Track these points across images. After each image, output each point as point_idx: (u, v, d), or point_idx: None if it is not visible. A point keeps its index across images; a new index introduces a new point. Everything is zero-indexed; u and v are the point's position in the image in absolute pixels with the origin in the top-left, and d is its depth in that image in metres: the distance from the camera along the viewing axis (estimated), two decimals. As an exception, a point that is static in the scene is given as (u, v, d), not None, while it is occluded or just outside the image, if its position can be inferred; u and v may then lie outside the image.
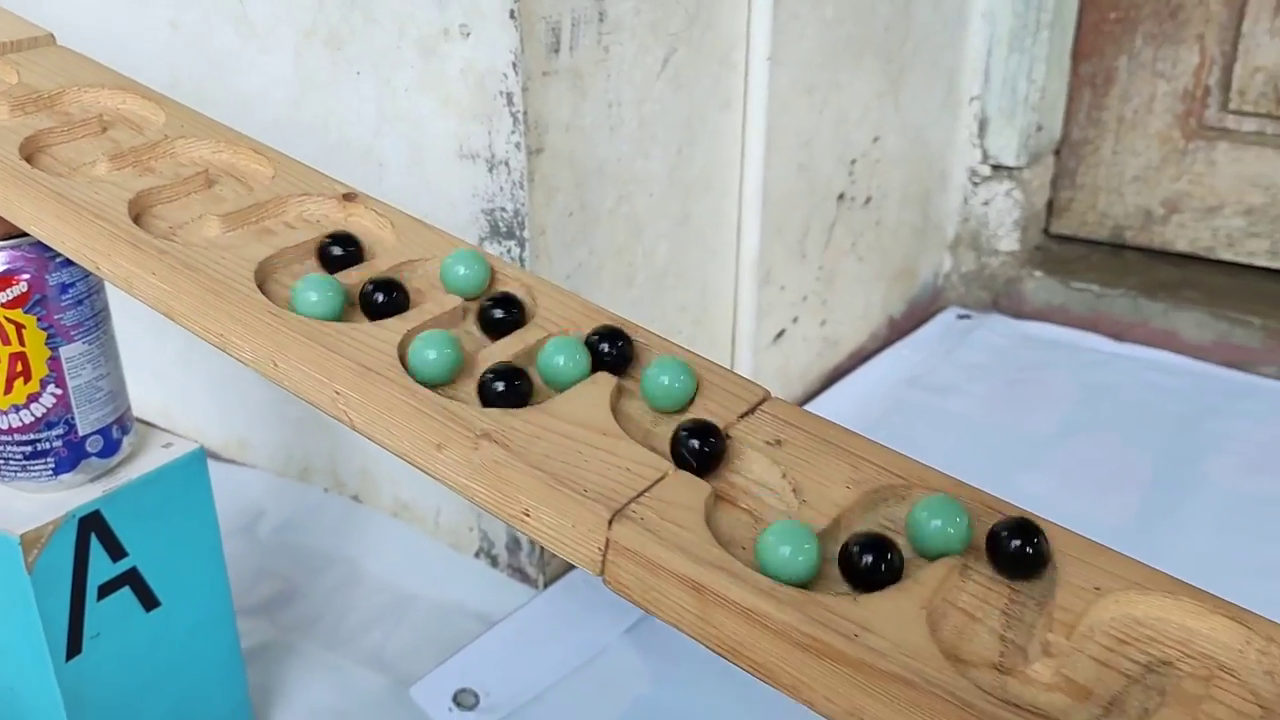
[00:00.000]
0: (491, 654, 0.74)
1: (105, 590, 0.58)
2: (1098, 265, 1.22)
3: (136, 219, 0.43)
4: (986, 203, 1.22)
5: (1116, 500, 0.92)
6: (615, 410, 0.36)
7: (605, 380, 0.37)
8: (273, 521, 0.89)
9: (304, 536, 0.87)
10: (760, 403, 0.37)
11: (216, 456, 0.96)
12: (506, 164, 0.67)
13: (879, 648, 0.28)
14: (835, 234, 1.02)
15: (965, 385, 1.10)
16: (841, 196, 1.01)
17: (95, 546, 0.57)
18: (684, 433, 0.35)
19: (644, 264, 0.79)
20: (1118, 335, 1.17)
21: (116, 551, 0.58)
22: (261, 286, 0.40)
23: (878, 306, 1.14)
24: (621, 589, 0.32)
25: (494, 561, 0.80)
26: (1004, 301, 1.24)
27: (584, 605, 0.79)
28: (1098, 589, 0.31)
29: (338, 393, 0.36)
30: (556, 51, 0.66)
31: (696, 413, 0.37)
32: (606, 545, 0.32)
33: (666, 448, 0.35)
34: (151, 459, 0.59)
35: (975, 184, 1.22)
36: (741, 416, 0.37)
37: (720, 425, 0.36)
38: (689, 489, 0.33)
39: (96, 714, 0.58)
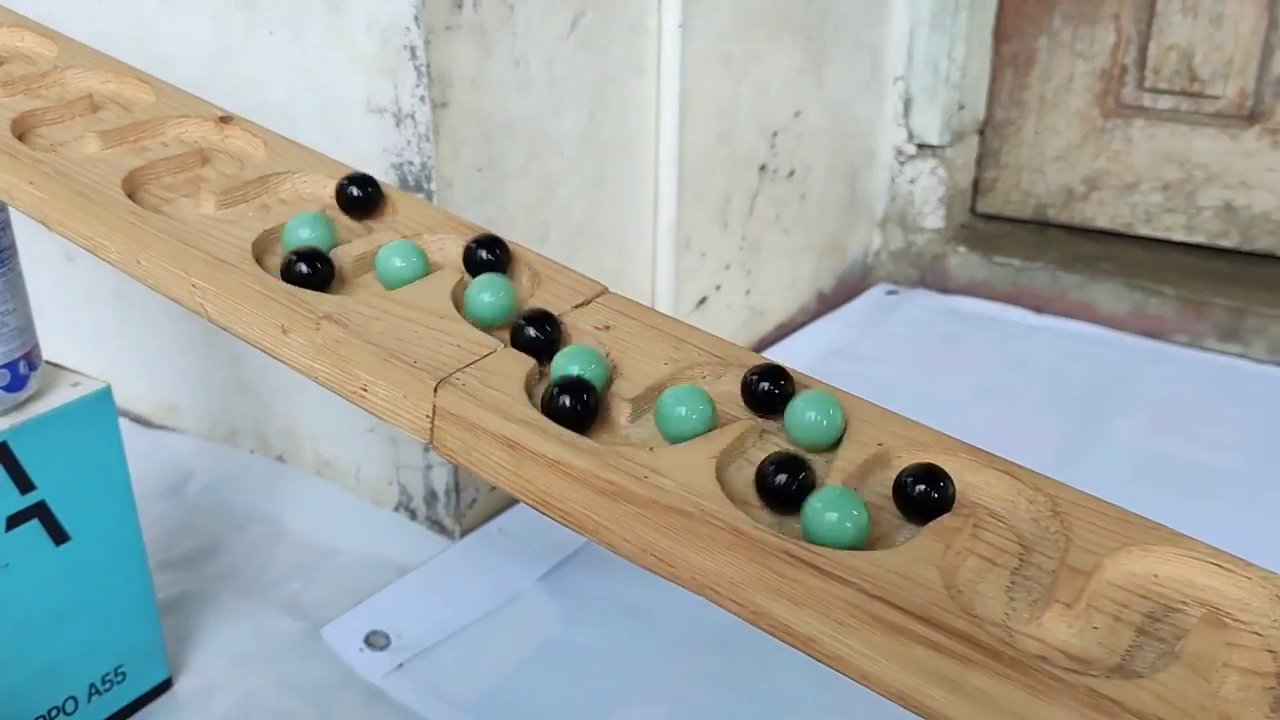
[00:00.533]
0: (404, 599, 0.76)
1: (14, 522, 0.59)
2: (1021, 241, 1.25)
3: (20, 138, 0.45)
4: (912, 181, 1.25)
5: (1027, 457, 0.95)
6: (455, 300, 0.38)
7: (450, 274, 0.39)
8: (200, 482, 0.91)
9: (229, 496, 0.88)
10: (596, 296, 0.40)
11: (149, 423, 0.97)
12: (413, 117, 0.69)
13: (664, 486, 0.31)
14: (758, 204, 1.05)
15: (889, 355, 1.13)
16: (763, 168, 1.04)
17: (3, 477, 0.59)
18: (521, 319, 0.37)
19: (557, 222, 0.81)
20: (1038, 308, 1.20)
21: (24, 484, 0.60)
22: (132, 195, 0.42)
23: (806, 280, 1.17)
24: (448, 453, 0.34)
25: (413, 515, 0.82)
26: (930, 277, 1.27)
27: (498, 554, 0.81)
28: (880, 444, 0.33)
29: (194, 285, 0.38)
30: (460, 6, 0.68)
31: (535, 304, 0.39)
32: (434, 412, 0.34)
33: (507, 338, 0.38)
34: (59, 396, 0.61)
35: (901, 163, 1.25)
36: (576, 307, 0.39)
37: (555, 314, 0.38)
38: (513, 362, 0.35)
39: (5, 644, 0.60)
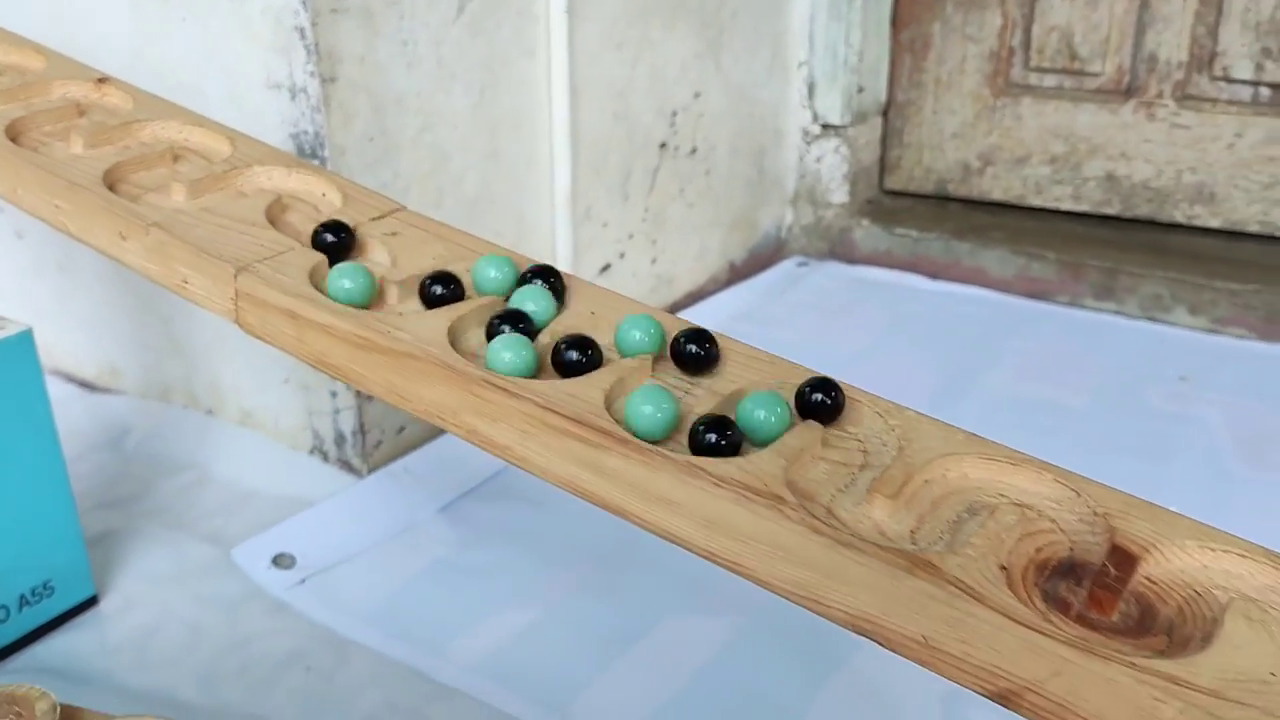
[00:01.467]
0: (310, 526, 0.84)
1: (-58, 451, 0.68)
2: (921, 214, 1.34)
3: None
4: (819, 160, 1.33)
5: (902, 401, 1.03)
6: (269, 214, 0.46)
7: (269, 195, 0.48)
8: (137, 437, 0.99)
9: (162, 447, 0.97)
10: (393, 212, 0.48)
11: (93, 386, 1.06)
12: (305, 91, 0.78)
13: (402, 339, 0.39)
14: (660, 179, 1.13)
15: (790, 319, 1.21)
16: (664, 145, 1.12)
17: (-66, 409, 0.67)
18: (320, 226, 0.46)
19: (452, 190, 0.89)
20: (934, 274, 1.28)
21: (-46, 416, 0.68)
22: (15, 140, 0.50)
23: (715, 251, 1.25)
24: (249, 328, 0.43)
25: (325, 457, 0.91)
26: (839, 250, 1.35)
27: (402, 490, 0.89)
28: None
29: (57, 205, 0.47)
30: (344, -8, 0.77)
31: (339, 217, 0.47)
32: (236, 294, 0.43)
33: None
34: (-14, 338, 0.70)
35: (808, 142, 1.33)
36: (373, 219, 0.47)
37: (351, 224, 0.46)
38: (304, 257, 0.44)
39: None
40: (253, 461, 0.93)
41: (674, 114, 1.13)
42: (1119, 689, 0.29)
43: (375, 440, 0.89)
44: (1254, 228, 1.20)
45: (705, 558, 0.35)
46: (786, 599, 0.34)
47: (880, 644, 0.33)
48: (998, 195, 1.32)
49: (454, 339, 0.40)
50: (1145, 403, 1.00)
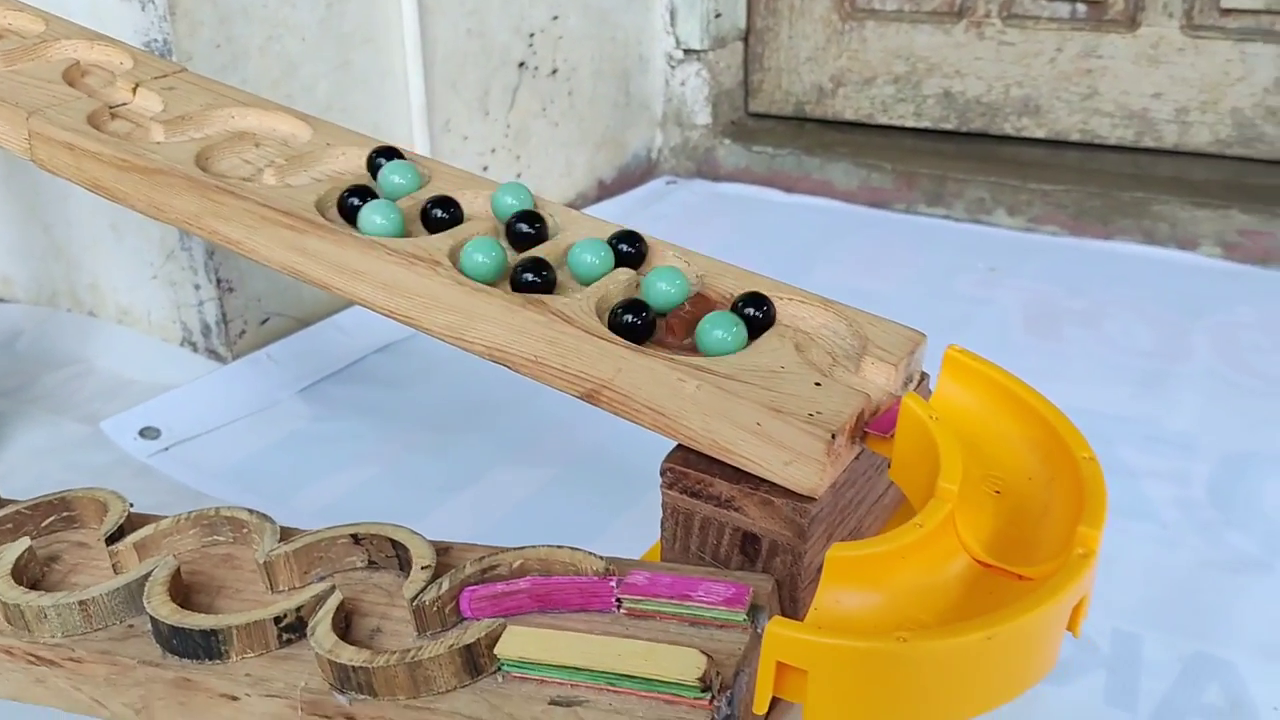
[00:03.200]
0: (175, 403, 0.92)
1: None
2: (779, 134, 1.43)
3: None
4: (683, 83, 1.42)
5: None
6: (67, 76, 0.55)
7: (72, 60, 0.56)
8: (28, 339, 1.06)
9: (50, 346, 1.04)
10: (175, 72, 0.56)
11: (-13, 297, 1.13)
12: (153, 2, 0.85)
13: (154, 158, 0.48)
14: (520, 98, 1.21)
15: (651, 230, 1.29)
16: (522, 64, 1.21)
17: None
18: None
19: (303, 97, 0.97)
20: (788, 188, 1.38)
21: None
22: None
23: (583, 169, 1.34)
24: (41, 163, 0.51)
25: (194, 347, 0.99)
26: (704, 168, 1.44)
27: (264, 374, 0.97)
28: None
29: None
30: (184, -90, 0.84)
31: (123, 80, 0.55)
32: (30, 135, 0.51)
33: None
34: None
35: (672, 67, 1.42)
36: (155, 78, 0.55)
37: (134, 81, 0.55)
38: (83, 103, 0.52)
39: None
40: (129, 354, 1.01)
41: (531, 35, 1.21)
42: (658, 375, 0.38)
43: (239, 330, 0.97)
44: (1075, 136, 1.30)
45: (386, 315, 0.44)
46: (442, 340, 0.43)
47: (509, 367, 0.42)
48: (849, 115, 1.42)
49: (203, 164, 0.48)
50: (954, 290, 1.11)
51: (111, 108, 0.53)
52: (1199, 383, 0.94)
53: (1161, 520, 0.78)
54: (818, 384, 0.38)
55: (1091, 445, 0.84)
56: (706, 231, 1.29)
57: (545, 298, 0.41)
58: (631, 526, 0.78)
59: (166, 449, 0.87)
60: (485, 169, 1.19)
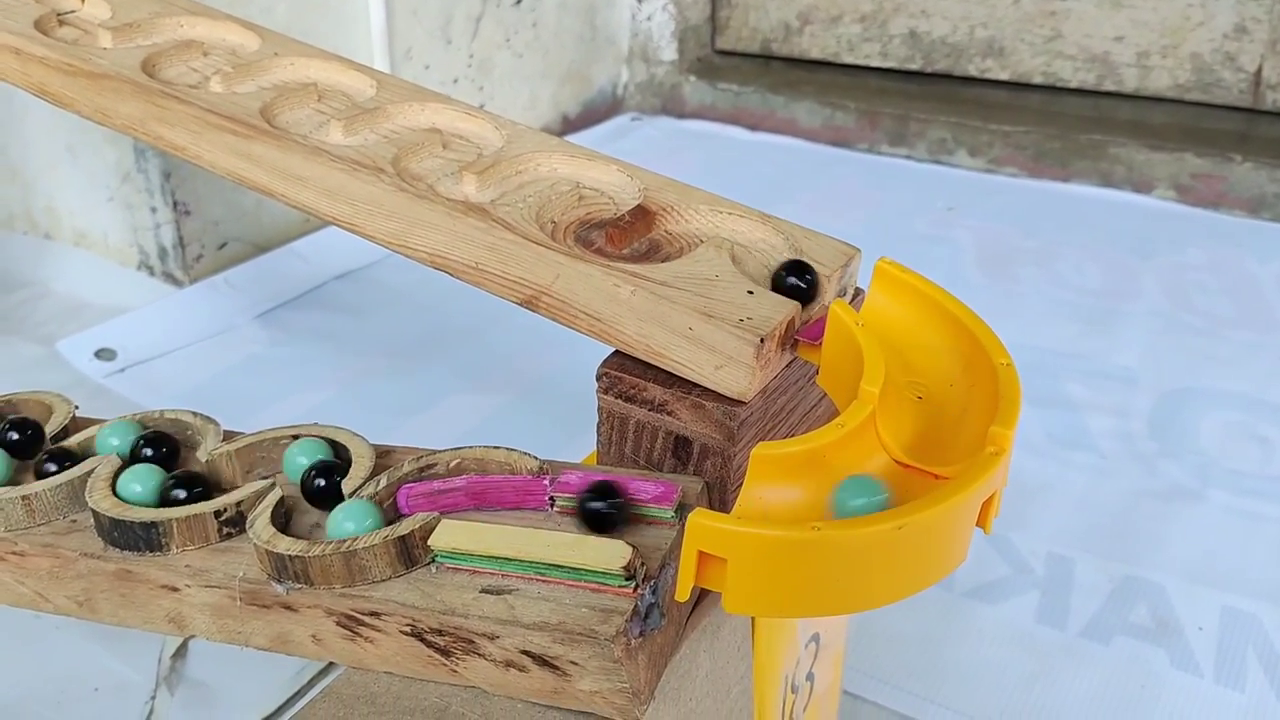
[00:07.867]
0: (131, 326, 0.92)
1: None
2: (744, 71, 1.43)
3: None
4: (649, 18, 1.41)
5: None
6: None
7: None
8: (-17, 262, 1.06)
9: (6, 268, 1.04)
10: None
11: (-60, 219, 1.12)
12: (106, -84, 0.84)
13: (101, 62, 0.47)
14: (484, 28, 1.20)
15: (614, 164, 1.30)
16: (486, -5, 1.19)
17: None
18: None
19: (260, 19, 0.96)
20: (753, 126, 1.38)
21: None
22: None
23: (547, 102, 1.33)
24: (-15, 68, 0.51)
25: (151, 271, 0.98)
26: (670, 105, 1.44)
27: (222, 298, 0.97)
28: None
29: None
30: None
31: (75, -15, 0.55)
32: (-27, 39, 0.50)
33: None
34: None
35: (639, 1, 1.41)
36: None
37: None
38: (30, 8, 0.52)
39: None
40: (86, 277, 1.00)
41: (496, -35, 1.19)
42: (594, 281, 0.39)
43: (196, 254, 0.97)
44: (1038, 79, 1.31)
45: (330, 221, 0.44)
46: (387, 247, 0.43)
47: (451, 274, 0.43)
48: (815, 53, 1.42)
49: (150, 70, 0.48)
50: (911, 228, 1.12)
51: (59, 14, 0.52)
52: (1145, 321, 0.96)
53: (1101, 451, 0.80)
54: (750, 292, 0.39)
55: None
56: (670, 168, 1.28)
57: (487, 205, 0.42)
58: (581, 452, 0.80)
59: (122, 370, 0.87)
60: (448, 99, 1.18)
